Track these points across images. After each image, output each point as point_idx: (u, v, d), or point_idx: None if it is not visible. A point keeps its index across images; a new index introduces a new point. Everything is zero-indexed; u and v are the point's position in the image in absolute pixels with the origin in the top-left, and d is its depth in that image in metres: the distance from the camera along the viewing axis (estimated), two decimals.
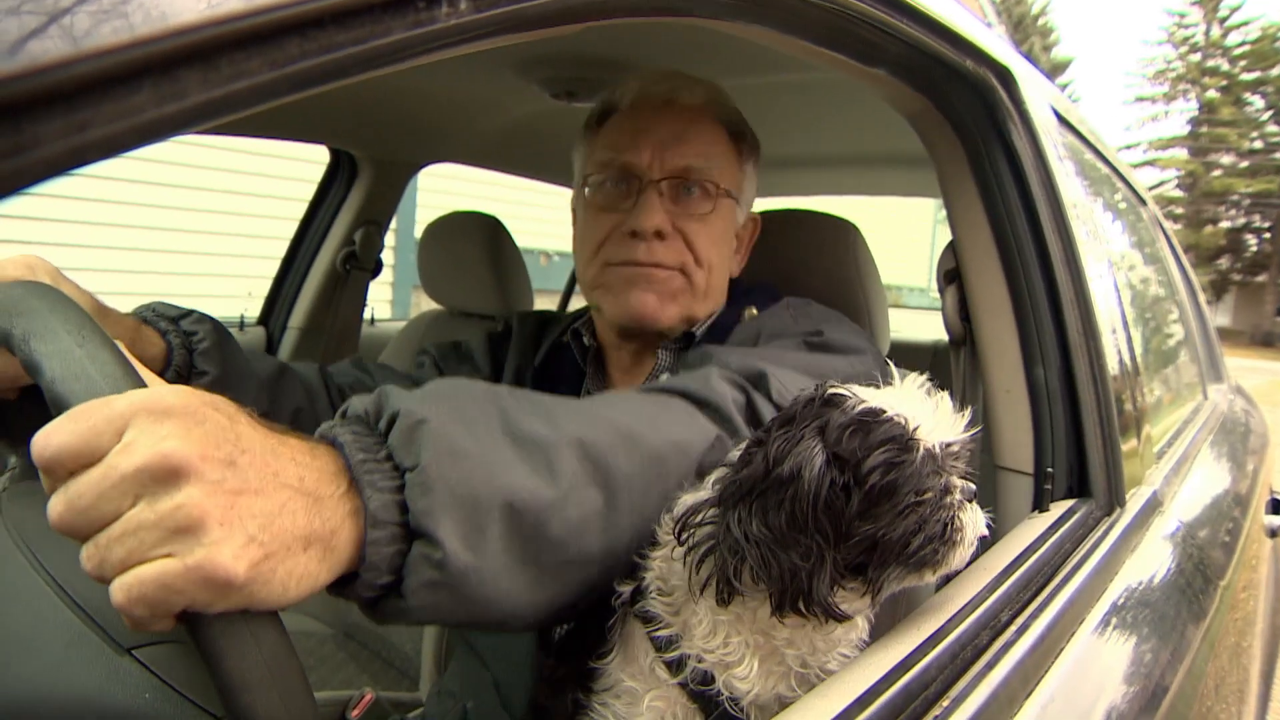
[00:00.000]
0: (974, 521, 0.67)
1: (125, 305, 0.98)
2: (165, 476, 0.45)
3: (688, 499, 0.68)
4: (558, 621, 0.72)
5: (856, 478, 0.60)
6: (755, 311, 1.13)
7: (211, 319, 1.00)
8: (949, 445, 0.65)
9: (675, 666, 0.66)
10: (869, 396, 0.65)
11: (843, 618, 0.62)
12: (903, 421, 0.62)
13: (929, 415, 0.64)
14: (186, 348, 0.95)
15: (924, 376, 0.69)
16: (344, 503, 0.52)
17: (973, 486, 0.68)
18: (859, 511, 0.60)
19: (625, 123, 1.14)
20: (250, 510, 0.47)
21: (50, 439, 0.45)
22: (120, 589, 0.44)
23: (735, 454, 0.69)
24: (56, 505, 0.45)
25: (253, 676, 0.46)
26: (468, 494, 0.55)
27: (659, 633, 0.67)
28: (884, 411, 0.63)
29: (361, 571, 0.52)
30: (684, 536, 0.64)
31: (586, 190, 1.15)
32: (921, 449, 0.62)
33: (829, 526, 0.60)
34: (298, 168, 3.20)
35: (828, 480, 0.59)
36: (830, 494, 0.59)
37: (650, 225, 1.07)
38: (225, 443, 0.48)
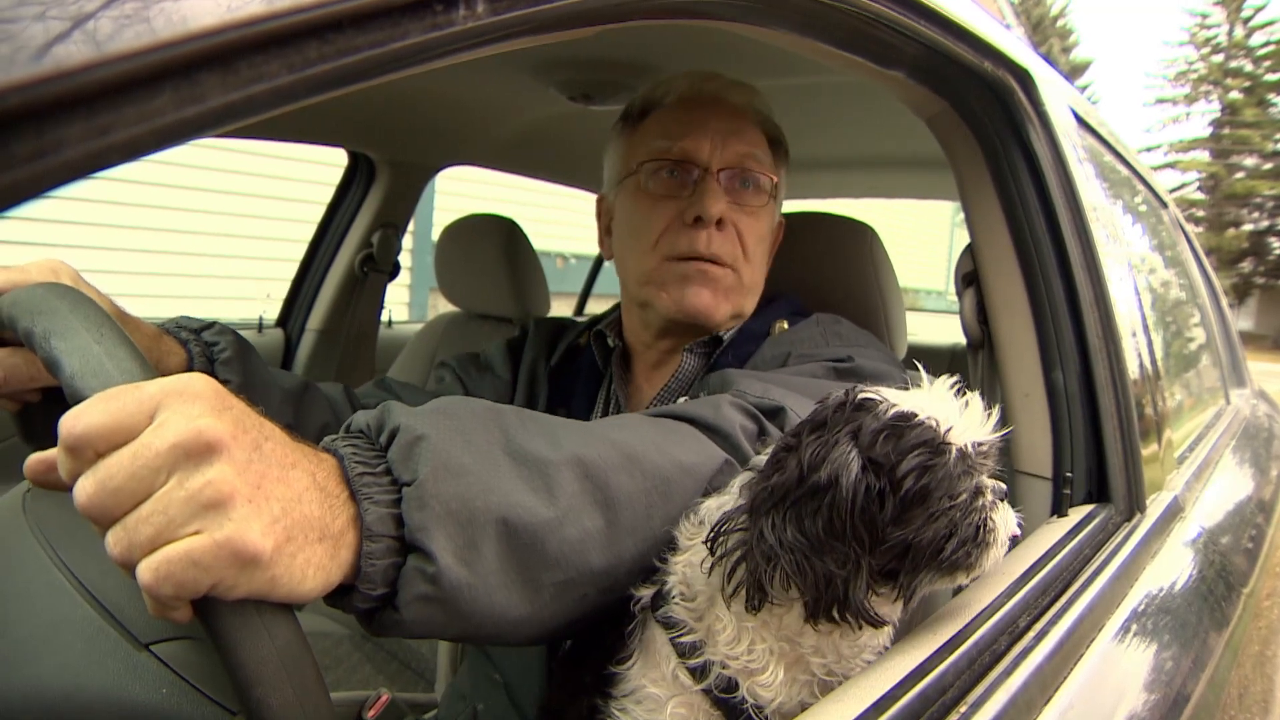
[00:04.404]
0: (1006, 522, 0.67)
1: (146, 306, 0.99)
2: (199, 452, 0.46)
3: (711, 504, 0.68)
4: (555, 639, 0.72)
5: (892, 483, 0.59)
6: (785, 325, 1.13)
7: (234, 331, 1.00)
8: (980, 445, 0.64)
9: (698, 673, 0.66)
10: (899, 400, 0.64)
11: (880, 623, 0.61)
12: (934, 424, 0.62)
13: (959, 417, 0.64)
14: (207, 357, 0.96)
15: (954, 379, 0.68)
16: (348, 507, 0.53)
17: (1003, 486, 0.67)
18: (892, 517, 0.59)
19: (679, 114, 1.14)
20: (274, 493, 0.48)
21: (81, 418, 0.46)
22: (148, 569, 0.45)
23: (761, 459, 0.69)
24: (86, 487, 0.45)
25: (266, 670, 0.47)
26: (464, 510, 0.55)
27: (682, 639, 0.66)
28: (915, 415, 0.62)
29: (358, 583, 0.53)
30: (716, 545, 0.63)
31: (639, 179, 1.14)
32: (954, 451, 0.62)
33: (865, 533, 0.59)
34: (316, 170, 3.22)
35: (864, 486, 0.59)
36: (866, 500, 0.59)
37: (715, 212, 1.07)
38: (252, 427, 0.49)
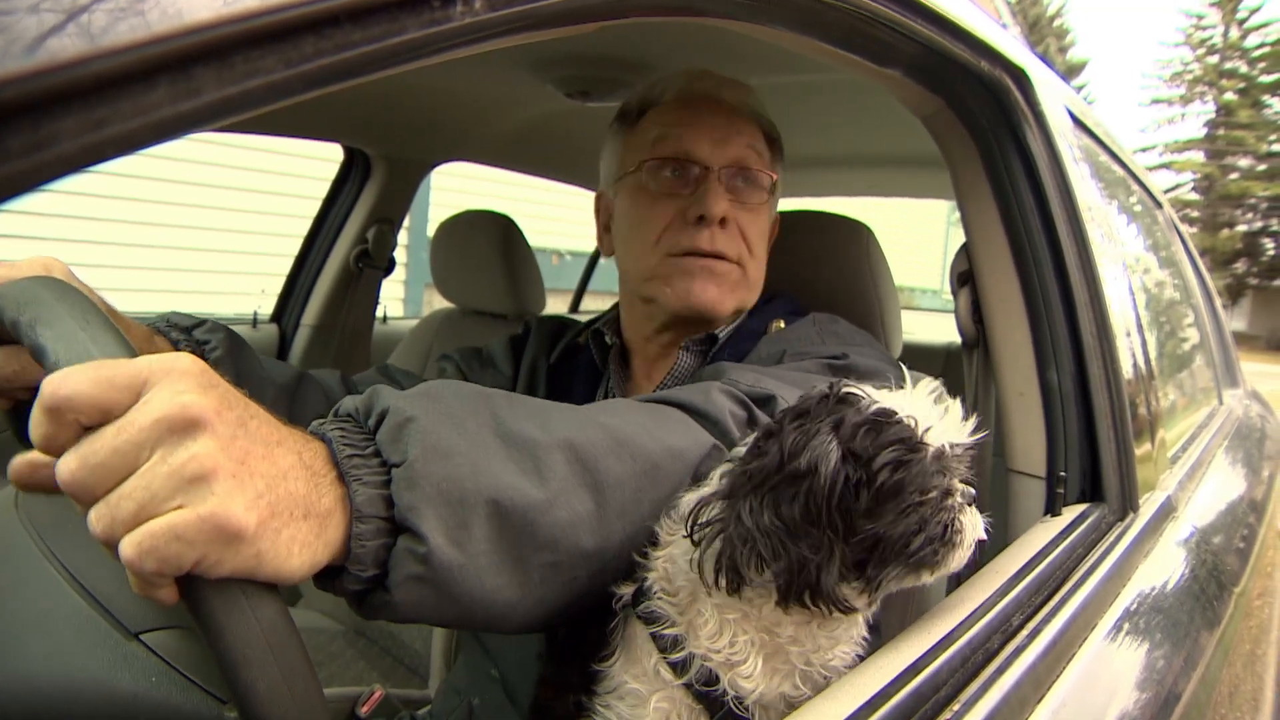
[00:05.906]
0: (973, 524, 0.68)
1: (142, 301, 0.99)
2: (182, 427, 0.45)
3: (690, 497, 0.68)
4: (546, 626, 0.72)
5: (869, 475, 0.60)
6: (782, 324, 1.13)
7: (226, 328, 1.00)
8: (955, 447, 0.65)
9: (679, 667, 0.66)
10: (881, 398, 0.65)
11: (849, 610, 0.62)
12: (912, 423, 0.63)
13: (937, 419, 0.65)
14: (199, 355, 0.95)
15: (937, 381, 0.69)
16: (335, 487, 0.52)
17: (973, 490, 0.68)
18: (865, 509, 0.60)
19: (678, 114, 1.14)
20: (259, 469, 0.48)
21: (66, 382, 0.45)
22: (131, 543, 0.44)
23: (741, 449, 0.69)
24: (69, 463, 0.45)
25: (253, 651, 0.46)
26: (454, 491, 0.55)
27: (664, 632, 0.67)
28: (895, 413, 0.63)
29: (347, 564, 0.53)
30: (694, 529, 0.64)
31: (640, 177, 1.14)
32: (930, 450, 0.63)
33: (839, 521, 0.60)
34: (312, 165, 3.21)
35: (842, 476, 0.60)
36: (844, 490, 0.60)
37: (719, 211, 1.09)
38: (237, 405, 0.49)
